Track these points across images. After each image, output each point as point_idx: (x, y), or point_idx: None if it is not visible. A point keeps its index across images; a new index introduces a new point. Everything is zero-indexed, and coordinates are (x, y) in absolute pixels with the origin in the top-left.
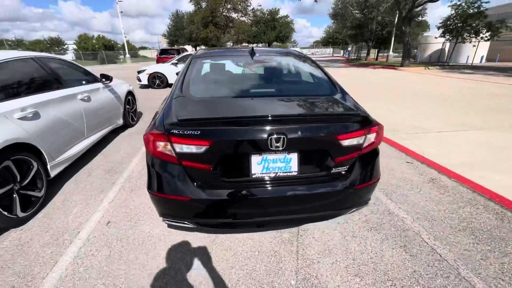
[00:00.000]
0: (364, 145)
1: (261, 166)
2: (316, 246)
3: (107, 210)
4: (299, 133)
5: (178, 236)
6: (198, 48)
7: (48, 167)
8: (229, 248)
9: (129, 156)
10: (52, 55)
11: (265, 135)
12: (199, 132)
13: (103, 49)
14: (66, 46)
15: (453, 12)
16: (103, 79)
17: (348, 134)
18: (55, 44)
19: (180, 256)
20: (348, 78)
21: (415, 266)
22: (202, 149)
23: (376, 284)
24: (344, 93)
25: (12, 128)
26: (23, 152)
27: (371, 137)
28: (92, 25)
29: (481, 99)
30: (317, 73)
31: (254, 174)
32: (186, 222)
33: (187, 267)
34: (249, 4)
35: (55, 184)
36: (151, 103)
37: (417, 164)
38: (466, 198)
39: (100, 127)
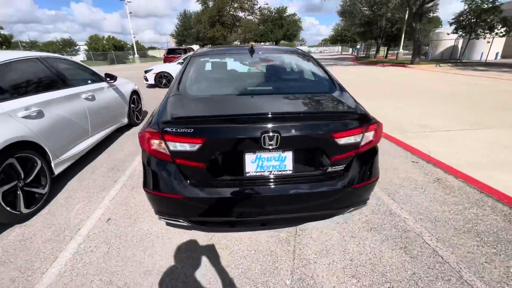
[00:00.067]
0: (362, 144)
1: (255, 164)
2: (314, 246)
3: (108, 208)
4: (294, 131)
5: (176, 234)
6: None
7: (52, 165)
8: (225, 247)
9: (132, 154)
10: (57, 55)
11: (258, 133)
12: (192, 130)
13: (113, 49)
14: (77, 47)
15: (466, 7)
16: (108, 79)
17: (344, 132)
18: (67, 45)
19: (177, 254)
20: (356, 76)
21: (415, 268)
22: (195, 147)
23: (373, 286)
24: (342, 90)
25: (16, 127)
26: (27, 150)
27: (369, 135)
28: (102, 26)
29: (493, 97)
30: (316, 70)
31: (248, 172)
32: (180, 220)
33: (182, 265)
34: (255, 2)
35: (60, 181)
36: (157, 102)
37: (423, 164)
38: (473, 198)
39: (105, 126)
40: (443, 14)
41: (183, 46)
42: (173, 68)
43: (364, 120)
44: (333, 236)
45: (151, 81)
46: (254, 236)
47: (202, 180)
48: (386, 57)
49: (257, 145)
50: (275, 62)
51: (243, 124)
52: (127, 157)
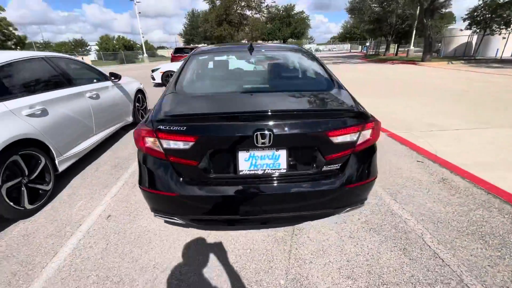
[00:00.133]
0: (358, 142)
1: (248, 162)
2: (310, 246)
3: (109, 204)
4: (287, 129)
5: (173, 232)
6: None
7: (56, 162)
8: (221, 245)
9: (136, 152)
10: (62, 54)
11: (251, 131)
12: (184, 128)
13: (123, 49)
14: (89, 47)
15: (481, 2)
16: (112, 77)
17: (339, 131)
18: (79, 45)
19: (173, 252)
20: (364, 74)
21: (414, 271)
22: (188, 145)
23: None
24: (341, 88)
25: (20, 125)
26: (31, 148)
27: (367, 134)
28: (113, 26)
29: (506, 95)
30: (315, 68)
31: (242, 170)
32: (175, 218)
33: (177, 262)
34: (263, 1)
35: (64, 178)
36: None
37: (428, 163)
38: (479, 200)
39: (109, 124)
40: (456, 9)
41: (191, 45)
42: None
43: (361, 118)
44: (330, 236)
45: (158, 80)
46: (250, 235)
47: (196, 178)
48: (396, 54)
49: (250, 143)
50: (273, 60)
51: (235, 122)
52: (130, 155)
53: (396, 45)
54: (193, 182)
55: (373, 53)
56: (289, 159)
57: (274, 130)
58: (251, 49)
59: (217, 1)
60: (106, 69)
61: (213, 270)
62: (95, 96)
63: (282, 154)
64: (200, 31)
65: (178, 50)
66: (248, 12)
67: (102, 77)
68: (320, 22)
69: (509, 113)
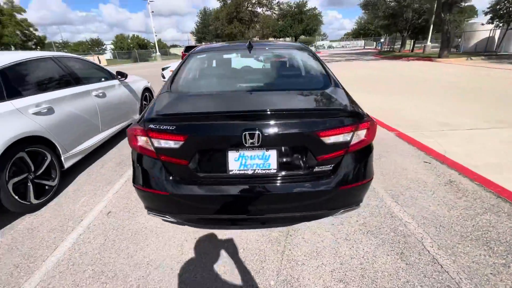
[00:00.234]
0: (352, 143)
1: (238, 162)
2: (304, 247)
3: (110, 201)
4: (276, 129)
5: (169, 230)
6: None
7: (62, 159)
8: (215, 244)
9: None
10: (70, 54)
11: (239, 131)
12: (174, 127)
13: (137, 48)
14: (104, 46)
15: None
16: (119, 76)
17: (331, 131)
18: (95, 44)
19: (167, 249)
20: (378, 71)
21: (409, 276)
22: (178, 144)
23: None
24: (337, 87)
25: (26, 123)
26: (37, 145)
27: (361, 134)
28: (128, 26)
29: None
30: (313, 66)
31: (232, 170)
32: (167, 216)
33: (170, 260)
34: None
35: (71, 174)
36: None
37: (436, 164)
38: (488, 203)
39: (116, 122)
40: (479, 2)
41: (202, 44)
42: None
43: (354, 118)
44: (326, 237)
45: None
46: (245, 235)
47: (187, 177)
48: (412, 50)
49: (239, 143)
50: (271, 59)
51: (224, 121)
52: None
53: (412, 41)
54: (184, 181)
55: (388, 49)
56: (279, 159)
57: (263, 130)
58: (250, 48)
59: None
60: (120, 68)
61: (205, 268)
62: (101, 94)
63: (272, 154)
64: (211, 29)
65: (188, 49)
66: (259, 9)
67: (109, 76)
68: (334, 18)
69: None
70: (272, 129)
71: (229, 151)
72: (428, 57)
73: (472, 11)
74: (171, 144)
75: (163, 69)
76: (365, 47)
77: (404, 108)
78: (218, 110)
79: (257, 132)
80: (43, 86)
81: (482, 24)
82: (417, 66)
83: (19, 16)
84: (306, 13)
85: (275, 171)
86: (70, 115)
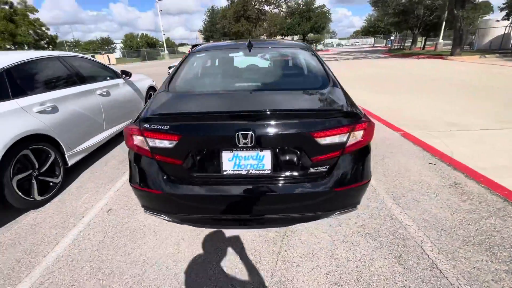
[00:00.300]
0: (348, 144)
1: (232, 162)
2: (301, 248)
3: (111, 198)
4: (270, 129)
5: (167, 228)
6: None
7: (66, 156)
8: (210, 244)
9: None
10: (76, 54)
11: (233, 131)
12: (168, 127)
13: (146, 46)
14: (114, 45)
15: None
16: (123, 75)
17: (326, 132)
18: (105, 43)
19: (164, 247)
20: (386, 69)
21: (406, 281)
22: (173, 144)
23: None
24: (335, 86)
25: (31, 121)
26: (41, 143)
27: (357, 135)
28: (137, 25)
29: None
30: (313, 65)
31: (226, 170)
32: (162, 215)
33: (166, 258)
34: None
35: (75, 171)
36: None
37: (441, 166)
38: (494, 207)
39: (120, 121)
40: None
41: (210, 42)
42: None
43: (351, 119)
44: (323, 239)
45: None
46: (241, 235)
47: (181, 176)
48: (423, 48)
49: (232, 143)
50: (270, 58)
51: (217, 121)
52: None
53: (424, 38)
54: (179, 180)
55: (398, 47)
56: (273, 160)
57: (257, 131)
58: (250, 46)
59: None
60: (128, 66)
61: (200, 268)
62: (105, 93)
63: (267, 155)
64: (219, 28)
65: (195, 47)
66: (266, 7)
67: (114, 75)
68: (343, 15)
69: None
70: (266, 130)
71: (223, 151)
72: (439, 55)
73: (487, 7)
74: (165, 143)
75: (169, 68)
76: (375, 45)
77: (412, 107)
78: (211, 110)
79: (250, 132)
80: (48, 85)
81: (497, 21)
82: (427, 64)
83: (31, 16)
84: (314, 10)
85: (269, 171)
86: (74, 113)
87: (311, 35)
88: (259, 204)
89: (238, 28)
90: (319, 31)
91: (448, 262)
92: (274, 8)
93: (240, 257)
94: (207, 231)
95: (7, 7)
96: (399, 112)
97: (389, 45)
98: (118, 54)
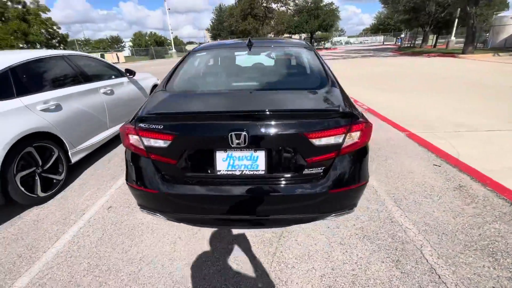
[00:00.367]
0: (344, 145)
1: (226, 163)
2: (296, 249)
3: (112, 196)
4: (263, 130)
5: (165, 226)
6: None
7: (69, 154)
8: (207, 244)
9: None
10: (82, 53)
11: (226, 131)
12: (161, 126)
13: (154, 45)
14: (123, 43)
15: None
16: (127, 74)
17: (321, 132)
18: (115, 42)
19: (160, 246)
20: (395, 68)
21: (403, 286)
22: (167, 143)
23: None
24: (334, 86)
25: (34, 119)
26: (45, 140)
27: (354, 136)
28: (146, 23)
29: None
30: (312, 65)
31: (220, 171)
32: (157, 214)
33: (162, 256)
34: None
35: (79, 168)
36: None
37: (446, 168)
38: (499, 211)
39: (124, 119)
40: None
41: (218, 40)
42: None
43: (347, 119)
44: (319, 241)
45: None
46: (237, 235)
47: (175, 176)
48: (434, 46)
49: (226, 143)
50: (269, 57)
51: (211, 121)
52: None
53: (435, 36)
54: (173, 180)
55: (409, 45)
56: (268, 160)
57: (250, 131)
58: (250, 45)
59: None
60: (136, 65)
61: (194, 267)
62: (109, 92)
63: (261, 155)
64: (226, 26)
65: None
66: (273, 5)
67: (118, 74)
68: (353, 13)
69: None
70: (260, 130)
71: (217, 151)
72: (450, 53)
73: (502, 4)
74: (160, 143)
75: None
76: (385, 43)
77: (419, 106)
78: (205, 110)
79: (243, 133)
80: (52, 83)
81: None
82: (438, 63)
83: (43, 15)
84: (322, 8)
85: (263, 172)
86: (78, 111)
87: (319, 33)
88: (254, 205)
89: (245, 26)
90: (327, 29)
91: (448, 268)
92: (282, 6)
93: (235, 257)
94: (204, 230)
95: (20, 6)
96: (406, 112)
97: (399, 43)
98: (127, 52)
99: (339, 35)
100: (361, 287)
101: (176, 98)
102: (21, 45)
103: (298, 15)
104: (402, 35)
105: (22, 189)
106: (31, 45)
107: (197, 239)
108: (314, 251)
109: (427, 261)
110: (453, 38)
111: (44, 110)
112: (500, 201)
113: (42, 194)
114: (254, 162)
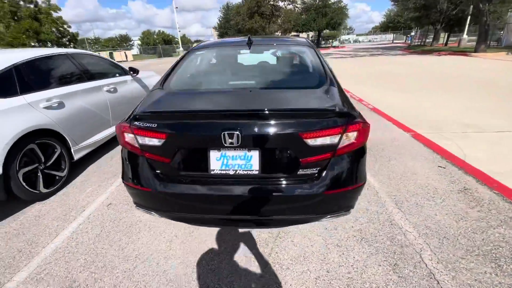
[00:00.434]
0: (340, 146)
1: (220, 162)
2: (292, 251)
3: (112, 193)
4: (257, 129)
5: (161, 225)
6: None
7: (72, 151)
8: (203, 243)
9: None
10: (86, 51)
11: (219, 130)
12: (155, 125)
13: (162, 43)
14: (132, 42)
15: None
16: (131, 72)
17: (316, 132)
18: (124, 40)
19: (156, 244)
20: (404, 66)
21: None
22: (161, 142)
23: None
24: (332, 85)
25: (37, 116)
26: (47, 137)
27: (350, 136)
28: (155, 22)
29: None
30: (311, 63)
31: (213, 170)
32: (152, 213)
33: (158, 254)
34: None
35: (82, 165)
36: None
37: (452, 170)
38: (505, 215)
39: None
40: None
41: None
42: None
43: (343, 119)
44: (316, 242)
45: None
46: (234, 235)
47: (169, 174)
48: (446, 44)
49: (219, 143)
50: (269, 56)
51: (204, 120)
52: None
53: (446, 34)
54: (167, 178)
55: (419, 43)
56: (262, 160)
57: (243, 130)
58: (250, 43)
59: None
60: (144, 63)
61: (189, 266)
62: (112, 90)
63: (255, 155)
64: (233, 24)
65: None
66: (280, 3)
67: (122, 72)
68: (362, 11)
69: None
70: (253, 130)
71: (210, 151)
72: (462, 52)
73: None
74: (154, 141)
75: None
76: (394, 41)
77: (426, 106)
78: (198, 109)
79: (236, 132)
80: (55, 81)
81: None
82: (448, 61)
83: (54, 14)
84: (330, 6)
85: (257, 172)
86: (81, 109)
87: (326, 31)
88: (247, 205)
89: (252, 25)
90: (335, 27)
91: (448, 273)
92: (289, 4)
93: (230, 257)
94: (200, 229)
95: (32, 6)
96: (412, 111)
97: (409, 41)
98: (135, 51)
99: (348, 33)
100: None
101: (172, 96)
102: (32, 44)
103: (306, 13)
104: (412, 33)
105: (25, 185)
106: (42, 43)
107: (193, 238)
108: (310, 253)
109: (426, 265)
110: (465, 36)
111: (47, 107)
112: (507, 205)
113: (44, 190)
114: (248, 162)
